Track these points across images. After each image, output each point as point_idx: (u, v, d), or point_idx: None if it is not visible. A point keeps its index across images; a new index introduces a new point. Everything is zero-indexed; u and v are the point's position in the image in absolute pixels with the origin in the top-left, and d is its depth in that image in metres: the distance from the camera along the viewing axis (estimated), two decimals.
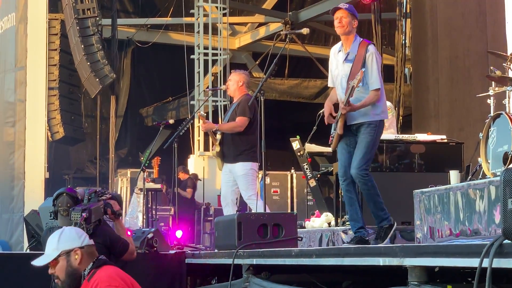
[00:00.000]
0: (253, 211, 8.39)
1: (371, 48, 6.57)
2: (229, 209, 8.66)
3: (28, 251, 9.18)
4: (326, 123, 6.78)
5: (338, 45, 6.79)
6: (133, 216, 14.72)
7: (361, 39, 6.64)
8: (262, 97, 7.63)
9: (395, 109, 13.10)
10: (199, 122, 18.73)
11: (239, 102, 8.70)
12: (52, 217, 6.56)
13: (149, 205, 13.95)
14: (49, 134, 17.82)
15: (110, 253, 6.33)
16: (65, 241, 4.45)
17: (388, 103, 10.34)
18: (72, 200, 6.44)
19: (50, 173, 17.08)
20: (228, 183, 8.72)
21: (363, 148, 6.56)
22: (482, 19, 11.64)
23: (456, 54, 12.45)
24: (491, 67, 7.69)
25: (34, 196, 15.71)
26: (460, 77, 12.29)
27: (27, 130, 16.39)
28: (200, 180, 16.60)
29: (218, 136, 8.78)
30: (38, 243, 8.65)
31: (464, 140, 9.51)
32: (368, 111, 6.57)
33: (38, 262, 4.50)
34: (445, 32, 12.91)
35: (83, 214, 6.16)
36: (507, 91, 7.49)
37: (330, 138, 6.74)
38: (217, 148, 8.76)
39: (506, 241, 3.54)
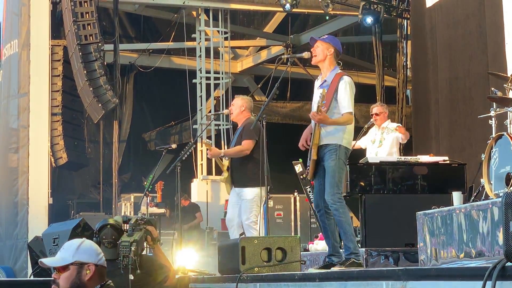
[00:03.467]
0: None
1: (346, 77, 6.81)
2: (235, 232, 8.68)
3: (32, 278, 9.17)
4: (300, 146, 6.95)
5: (320, 76, 7.05)
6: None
7: (340, 71, 6.81)
8: (264, 121, 7.66)
9: None
10: (201, 146, 18.77)
11: (243, 126, 8.73)
12: None
13: None
14: (52, 159, 17.85)
15: (155, 281, 6.30)
16: (84, 252, 4.28)
17: (396, 125, 10.43)
18: (117, 232, 6.35)
19: (54, 199, 17.09)
20: (235, 206, 8.74)
21: (328, 174, 6.68)
22: (483, 40, 11.66)
23: (456, 75, 12.46)
24: (492, 88, 7.71)
25: (38, 222, 15.71)
26: (461, 98, 12.29)
27: (30, 156, 16.42)
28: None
29: (225, 162, 8.80)
30: (42, 269, 8.63)
31: (466, 161, 9.50)
32: (330, 134, 6.74)
33: (48, 262, 4.34)
34: (445, 54, 12.93)
35: (132, 247, 6.09)
36: (508, 112, 7.50)
37: (307, 171, 6.93)
38: (226, 174, 8.77)
39: (509, 263, 3.54)
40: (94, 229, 6.45)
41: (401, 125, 10.34)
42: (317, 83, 6.99)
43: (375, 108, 10.39)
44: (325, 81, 6.87)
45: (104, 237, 6.32)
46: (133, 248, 6.05)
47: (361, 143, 10.47)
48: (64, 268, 4.25)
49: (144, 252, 6.66)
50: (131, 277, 6.06)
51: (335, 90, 6.73)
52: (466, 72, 12.15)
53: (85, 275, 4.25)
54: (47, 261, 4.35)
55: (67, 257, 4.27)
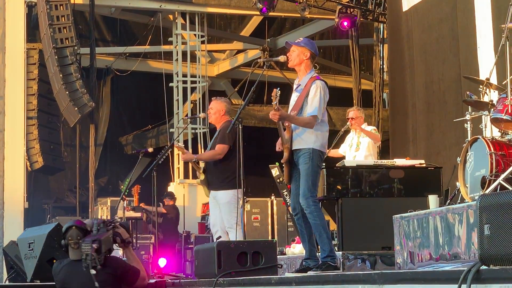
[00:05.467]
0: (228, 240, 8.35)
1: (318, 82, 6.79)
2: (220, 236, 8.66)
3: (7, 283, 9.10)
4: (277, 149, 6.95)
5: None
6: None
7: (315, 74, 6.82)
8: (240, 125, 7.65)
9: None
10: (178, 151, 18.73)
11: (220, 130, 8.72)
12: (64, 249, 6.50)
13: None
14: (28, 163, 17.74)
15: (122, 283, 6.31)
16: None
17: (372, 127, 10.46)
18: (82, 232, 6.37)
19: (30, 203, 17.01)
20: (216, 210, 8.71)
21: (303, 177, 6.68)
22: (455, 44, 11.72)
23: (431, 79, 12.51)
24: (468, 92, 7.73)
25: (13, 226, 15.64)
26: (436, 102, 12.34)
27: (5, 160, 16.34)
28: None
29: (202, 164, 8.78)
30: (17, 274, 8.57)
31: (441, 164, 9.55)
32: (302, 139, 6.74)
33: None
34: (420, 57, 12.98)
35: (94, 245, 6.11)
36: (483, 116, 7.54)
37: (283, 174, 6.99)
38: (202, 177, 8.76)
39: (483, 267, 3.55)
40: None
41: (366, 129, 10.32)
42: (294, 87, 7.02)
43: (352, 112, 10.41)
44: (299, 85, 6.89)
45: (70, 238, 6.36)
46: (94, 246, 6.07)
47: (341, 151, 10.48)
48: None
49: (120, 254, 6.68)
50: (93, 272, 6.10)
51: (306, 94, 6.74)
52: (440, 75, 12.21)
53: None
54: None
55: None
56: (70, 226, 6.39)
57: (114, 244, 6.47)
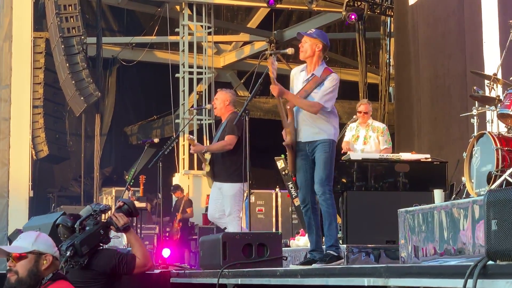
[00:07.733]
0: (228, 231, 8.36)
1: (335, 75, 6.75)
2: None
3: None
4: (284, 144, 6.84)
5: (301, 67, 6.93)
6: (117, 235, 14.66)
7: (327, 66, 6.79)
8: (247, 117, 7.65)
9: None
10: (184, 141, 18.76)
11: (227, 121, 8.71)
12: None
13: (134, 224, 13.86)
14: (33, 152, 17.77)
15: (116, 275, 6.05)
16: (42, 243, 4.45)
17: (384, 125, 10.35)
18: (68, 231, 6.21)
19: (35, 192, 17.02)
20: (217, 201, 8.70)
21: (321, 165, 6.57)
22: (461, 39, 11.69)
23: (437, 73, 12.49)
24: (474, 87, 7.72)
25: (18, 215, 15.65)
26: (440, 96, 12.33)
27: (11, 149, 16.34)
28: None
29: (207, 156, 8.78)
30: None
31: (444, 158, 9.55)
32: (324, 130, 6.66)
33: (8, 248, 4.47)
34: (426, 52, 12.97)
35: (68, 252, 5.82)
36: (488, 111, 7.53)
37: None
38: (207, 168, 8.75)
39: (490, 262, 3.56)
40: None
41: (374, 125, 10.22)
42: (302, 75, 6.86)
43: (363, 106, 10.12)
44: (313, 74, 6.77)
45: (59, 235, 6.28)
46: (68, 253, 5.76)
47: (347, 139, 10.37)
48: (21, 257, 4.38)
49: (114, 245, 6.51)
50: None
51: (319, 84, 6.67)
52: (446, 70, 12.19)
53: (42, 264, 4.41)
54: (7, 248, 4.48)
55: (26, 245, 4.41)
56: (58, 224, 6.29)
57: (109, 232, 6.19)
